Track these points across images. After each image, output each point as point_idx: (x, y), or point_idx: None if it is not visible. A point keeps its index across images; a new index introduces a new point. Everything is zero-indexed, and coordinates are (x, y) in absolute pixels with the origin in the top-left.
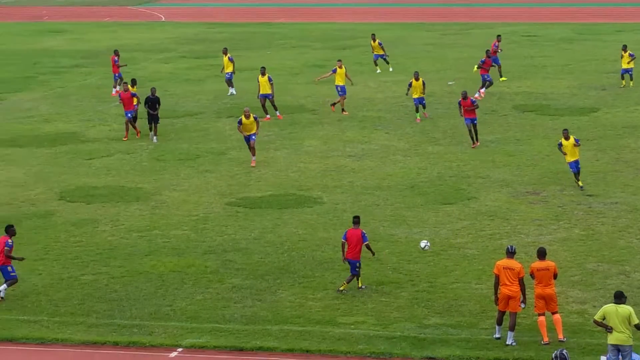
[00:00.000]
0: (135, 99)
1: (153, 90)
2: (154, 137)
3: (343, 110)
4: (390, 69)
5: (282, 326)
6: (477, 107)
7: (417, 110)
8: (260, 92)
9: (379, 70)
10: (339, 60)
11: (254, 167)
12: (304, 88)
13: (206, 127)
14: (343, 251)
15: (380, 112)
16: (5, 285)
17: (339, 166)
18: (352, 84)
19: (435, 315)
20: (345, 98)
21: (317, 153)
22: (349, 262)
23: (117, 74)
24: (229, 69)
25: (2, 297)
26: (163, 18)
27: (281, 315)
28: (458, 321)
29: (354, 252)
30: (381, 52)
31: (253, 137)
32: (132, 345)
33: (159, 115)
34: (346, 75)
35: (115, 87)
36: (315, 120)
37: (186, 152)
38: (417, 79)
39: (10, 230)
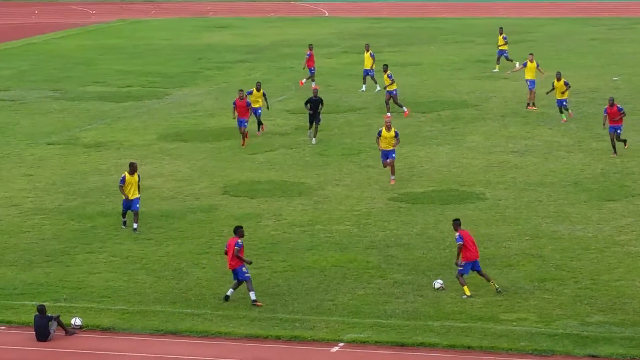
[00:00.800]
0: (249, 109)
1: (315, 91)
2: (313, 139)
3: (530, 105)
4: (517, 65)
5: (444, 322)
6: (624, 115)
7: (560, 112)
8: (387, 89)
9: (495, 70)
10: (531, 54)
11: (393, 185)
12: (467, 83)
13: (369, 123)
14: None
15: (544, 108)
16: (251, 291)
17: (502, 162)
18: (543, 77)
19: (598, 313)
20: (534, 92)
21: (480, 149)
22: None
23: (311, 68)
24: (368, 65)
25: (255, 301)
26: (327, 13)
27: (443, 311)
28: (621, 319)
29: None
30: (504, 48)
31: (393, 155)
32: (294, 339)
33: (320, 116)
34: (537, 68)
35: (308, 79)
36: (477, 116)
37: (349, 147)
38: (558, 80)
39: (239, 232)
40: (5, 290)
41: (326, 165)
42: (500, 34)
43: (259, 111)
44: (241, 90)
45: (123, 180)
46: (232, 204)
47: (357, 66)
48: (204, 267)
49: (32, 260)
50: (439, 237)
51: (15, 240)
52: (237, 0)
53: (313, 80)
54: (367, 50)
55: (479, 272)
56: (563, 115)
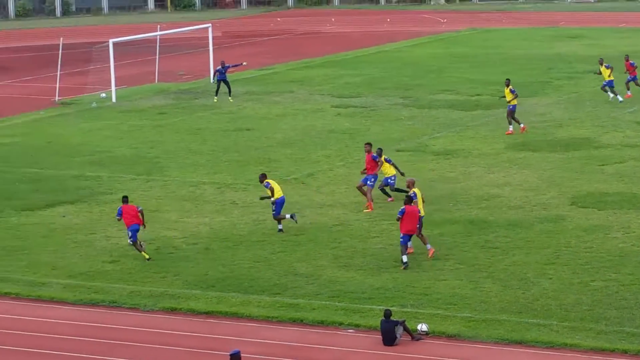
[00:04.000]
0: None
1: None
2: None
3: None
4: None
5: None
6: None
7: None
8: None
9: (619, 99)
10: None
11: None
12: None
13: None
14: None
15: None
16: None
17: None
18: None
19: None
20: None
21: None
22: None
23: (633, 77)
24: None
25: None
26: None
27: None
28: None
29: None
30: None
31: None
32: None
33: None
34: None
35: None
36: None
37: None
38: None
39: None
40: (354, 294)
41: None
42: (627, 60)
43: None
44: (368, 144)
45: None
46: (580, 215)
47: None
48: (551, 278)
49: (380, 265)
50: None
51: (364, 245)
52: (587, 10)
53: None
54: (601, 64)
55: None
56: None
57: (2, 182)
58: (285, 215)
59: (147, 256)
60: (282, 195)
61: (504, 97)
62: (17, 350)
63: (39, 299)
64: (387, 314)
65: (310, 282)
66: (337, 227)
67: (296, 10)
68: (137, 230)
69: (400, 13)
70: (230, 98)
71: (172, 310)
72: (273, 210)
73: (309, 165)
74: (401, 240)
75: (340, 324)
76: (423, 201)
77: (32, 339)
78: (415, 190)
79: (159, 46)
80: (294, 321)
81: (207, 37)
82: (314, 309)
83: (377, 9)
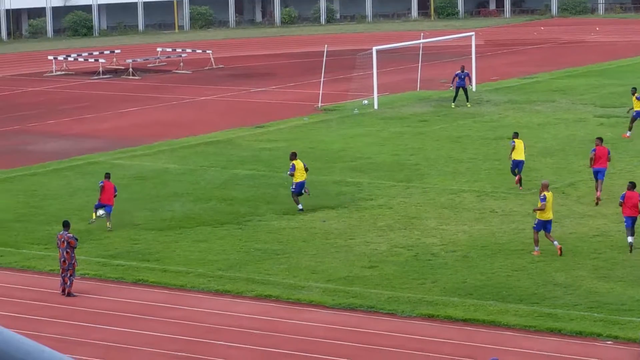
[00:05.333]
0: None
1: None
2: None
3: None
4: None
5: None
6: None
7: None
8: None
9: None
10: None
11: None
12: None
13: None
14: None
15: None
16: None
17: None
18: None
19: None
20: None
21: None
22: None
23: None
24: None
25: None
26: None
27: None
28: None
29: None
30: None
31: None
32: None
33: None
34: None
35: None
36: None
37: None
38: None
39: None
40: (613, 305)
41: None
42: (633, 94)
43: None
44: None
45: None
46: None
47: None
48: None
49: None
50: None
51: (625, 256)
52: None
53: None
54: (634, 94)
55: None
56: None
57: (264, 186)
58: (298, 200)
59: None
60: (302, 180)
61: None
62: (276, 352)
63: (298, 302)
64: None
65: (568, 292)
66: (598, 237)
67: (560, 19)
68: (109, 213)
69: None
70: (468, 104)
71: (430, 317)
72: (292, 188)
73: (569, 175)
74: (625, 224)
75: (599, 335)
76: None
77: (291, 342)
78: (546, 193)
79: (422, 54)
80: (552, 331)
81: (470, 45)
82: (572, 319)
83: None
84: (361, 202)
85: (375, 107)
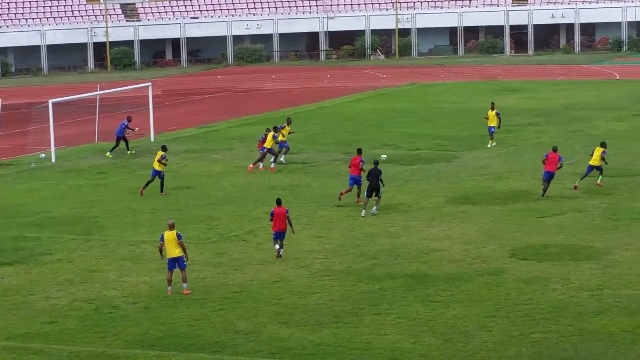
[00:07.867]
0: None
1: None
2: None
3: None
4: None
5: None
6: None
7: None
8: None
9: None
10: None
11: None
12: None
13: None
14: None
15: None
16: None
17: None
18: None
19: None
20: None
21: None
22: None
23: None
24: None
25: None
26: (617, 76)
27: None
28: None
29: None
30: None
31: None
32: None
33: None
34: None
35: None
36: None
37: (639, 211)
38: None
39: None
40: (295, 350)
41: (615, 229)
42: (492, 109)
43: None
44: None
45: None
46: (520, 267)
47: None
48: (491, 330)
49: (320, 321)
50: None
51: (305, 301)
52: (526, 64)
53: None
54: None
55: None
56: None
57: None
58: None
59: None
60: None
61: (487, 118)
62: None
63: None
64: None
65: (250, 339)
66: (278, 283)
67: (236, 68)
68: None
69: (340, 69)
70: (128, 152)
71: None
72: None
73: (249, 222)
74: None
75: None
76: None
77: None
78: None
79: (99, 106)
80: None
81: (147, 95)
82: None
83: (317, 65)
84: (40, 257)
85: (53, 160)
